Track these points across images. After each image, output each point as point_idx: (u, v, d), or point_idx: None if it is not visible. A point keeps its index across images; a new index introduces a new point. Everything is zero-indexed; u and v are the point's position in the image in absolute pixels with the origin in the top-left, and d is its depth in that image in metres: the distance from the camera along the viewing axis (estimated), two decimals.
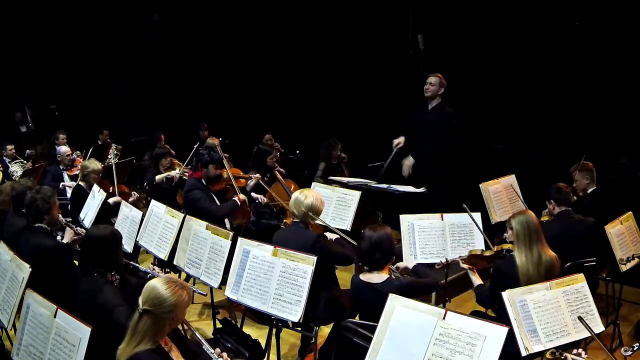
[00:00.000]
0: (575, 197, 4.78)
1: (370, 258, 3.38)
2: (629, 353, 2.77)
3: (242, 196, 5.27)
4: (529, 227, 3.45)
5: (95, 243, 3.33)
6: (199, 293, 3.72)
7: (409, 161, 5.72)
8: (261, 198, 5.67)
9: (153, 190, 6.12)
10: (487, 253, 3.89)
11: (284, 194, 5.76)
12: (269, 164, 6.04)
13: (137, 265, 3.82)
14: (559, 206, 4.35)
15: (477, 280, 3.71)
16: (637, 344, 2.80)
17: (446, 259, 3.92)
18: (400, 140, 5.75)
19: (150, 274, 3.60)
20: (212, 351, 2.69)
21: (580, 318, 2.90)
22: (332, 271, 4.04)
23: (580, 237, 4.19)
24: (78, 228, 4.51)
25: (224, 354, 2.71)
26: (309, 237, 3.87)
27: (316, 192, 4.05)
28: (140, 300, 2.55)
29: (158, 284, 2.56)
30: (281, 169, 6.56)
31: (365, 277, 3.38)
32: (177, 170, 6.22)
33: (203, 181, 5.23)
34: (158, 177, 6.15)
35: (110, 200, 5.41)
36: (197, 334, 2.81)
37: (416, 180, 5.45)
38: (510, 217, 3.63)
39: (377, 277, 3.34)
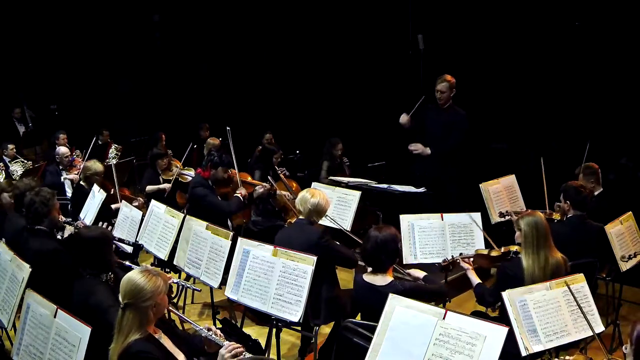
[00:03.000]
0: None
1: (374, 259, 3.36)
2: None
3: (243, 191, 5.29)
4: (537, 229, 3.38)
5: (86, 244, 3.31)
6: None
7: (427, 150, 5.61)
8: (288, 195, 5.65)
9: (150, 194, 6.14)
10: (494, 253, 3.87)
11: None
12: (274, 163, 6.05)
13: (130, 265, 3.76)
14: (574, 209, 4.19)
15: (475, 279, 3.69)
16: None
17: (452, 256, 3.91)
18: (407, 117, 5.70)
19: None
20: (202, 328, 2.73)
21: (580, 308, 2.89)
22: (332, 270, 4.04)
23: (591, 244, 4.08)
24: (78, 223, 4.50)
25: (213, 327, 2.75)
26: (314, 232, 3.88)
27: (323, 193, 4.06)
28: (120, 296, 2.58)
29: (132, 275, 2.61)
30: (285, 171, 6.56)
31: (368, 278, 3.37)
32: (168, 183, 6.28)
33: (209, 181, 5.24)
34: (149, 188, 6.17)
35: (113, 207, 5.43)
36: (180, 313, 2.82)
37: (426, 182, 5.42)
38: (519, 218, 3.55)
39: (380, 280, 3.32)
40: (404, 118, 5.70)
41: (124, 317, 2.54)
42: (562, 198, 4.30)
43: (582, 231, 4.15)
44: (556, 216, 4.65)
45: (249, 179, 5.87)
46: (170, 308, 2.80)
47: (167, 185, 6.20)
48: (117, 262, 3.61)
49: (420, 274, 3.69)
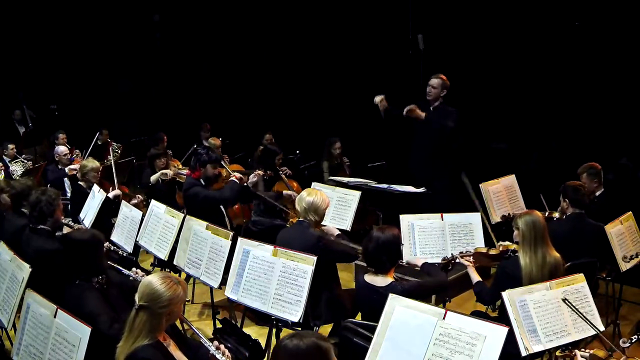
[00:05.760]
0: None
1: (376, 260, 3.36)
2: (627, 345, 2.80)
3: (238, 175, 5.25)
4: (535, 227, 3.41)
5: (76, 247, 3.29)
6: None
7: (421, 114, 5.50)
8: (294, 194, 5.51)
9: (150, 191, 6.12)
10: (493, 252, 3.89)
11: None
12: (276, 164, 6.05)
13: (120, 268, 3.72)
14: (573, 207, 4.22)
15: (476, 277, 3.69)
16: (635, 336, 2.82)
17: (452, 254, 3.92)
18: (381, 97, 5.66)
19: (132, 277, 3.56)
20: (210, 344, 2.72)
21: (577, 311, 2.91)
22: (333, 270, 4.04)
23: (589, 242, 4.10)
24: (77, 225, 4.49)
25: (222, 346, 2.73)
26: (311, 235, 3.87)
27: (322, 193, 4.04)
28: (136, 297, 2.57)
29: (154, 280, 2.59)
30: (288, 170, 6.55)
31: (369, 278, 3.37)
32: (171, 169, 6.21)
33: (201, 181, 5.23)
34: (153, 178, 6.15)
35: (111, 195, 5.37)
36: (194, 328, 2.83)
37: (418, 181, 5.42)
38: (517, 216, 3.58)
39: (381, 280, 3.32)
40: (378, 98, 5.67)
41: (136, 318, 2.53)
42: (561, 198, 4.32)
43: (581, 229, 4.17)
44: (555, 214, 4.67)
45: (243, 170, 5.87)
46: (181, 316, 2.78)
47: (169, 171, 6.15)
48: (109, 265, 3.58)
49: (418, 261, 3.73)
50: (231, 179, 5.22)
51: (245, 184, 5.26)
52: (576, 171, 5.01)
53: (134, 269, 3.75)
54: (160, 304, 2.53)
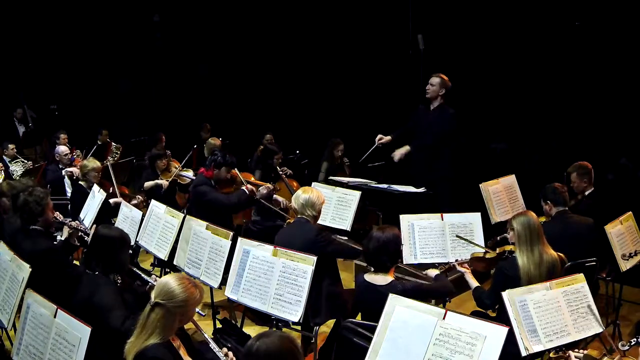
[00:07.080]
0: (572, 202, 4.71)
1: (376, 260, 3.38)
2: (626, 348, 2.80)
3: (249, 186, 5.28)
4: (530, 227, 3.45)
5: (103, 242, 3.35)
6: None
7: (403, 149, 5.60)
8: (284, 202, 5.59)
9: (150, 191, 6.12)
10: (490, 255, 3.90)
11: (288, 193, 5.77)
12: (275, 164, 6.05)
13: (140, 273, 3.73)
14: (556, 207, 4.30)
15: (473, 282, 3.71)
16: (634, 339, 2.83)
17: (449, 261, 3.93)
18: (384, 138, 5.72)
19: (150, 284, 3.59)
20: (219, 350, 2.72)
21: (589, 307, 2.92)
22: (334, 266, 4.06)
23: (579, 236, 4.16)
24: (74, 222, 4.48)
25: (230, 353, 2.73)
26: (311, 229, 3.90)
27: (318, 191, 4.09)
28: (152, 295, 2.60)
29: (171, 280, 2.62)
30: (288, 170, 6.56)
31: (369, 277, 3.39)
32: (166, 181, 6.23)
33: (212, 181, 5.24)
34: (147, 184, 6.15)
35: (111, 201, 5.39)
36: (205, 334, 2.83)
37: (420, 182, 5.42)
38: (512, 218, 3.62)
39: (381, 280, 3.33)
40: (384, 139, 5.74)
41: (151, 314, 2.54)
42: (542, 203, 4.39)
43: (568, 225, 4.22)
44: (542, 219, 4.66)
45: (252, 179, 5.86)
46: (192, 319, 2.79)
47: (164, 182, 6.18)
48: (130, 269, 3.60)
49: (433, 272, 3.75)
50: (242, 188, 5.23)
51: (255, 197, 5.27)
52: (568, 170, 5.02)
53: (153, 275, 3.77)
54: (176, 303, 2.55)
